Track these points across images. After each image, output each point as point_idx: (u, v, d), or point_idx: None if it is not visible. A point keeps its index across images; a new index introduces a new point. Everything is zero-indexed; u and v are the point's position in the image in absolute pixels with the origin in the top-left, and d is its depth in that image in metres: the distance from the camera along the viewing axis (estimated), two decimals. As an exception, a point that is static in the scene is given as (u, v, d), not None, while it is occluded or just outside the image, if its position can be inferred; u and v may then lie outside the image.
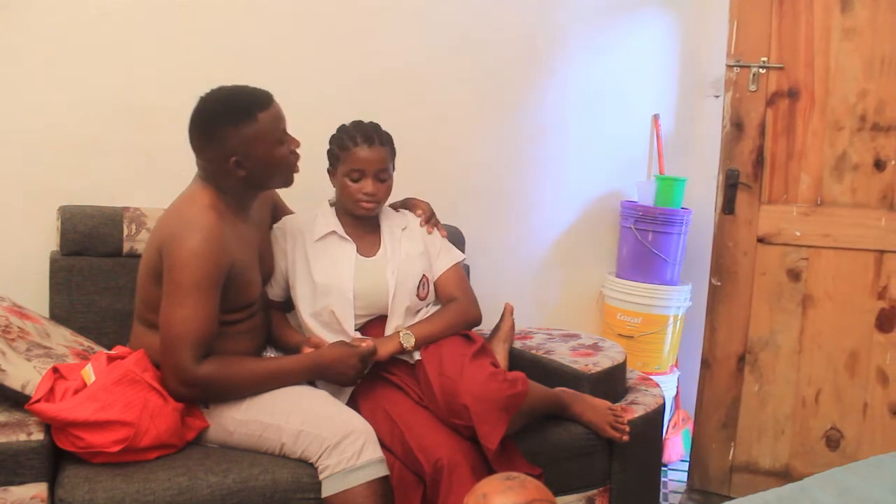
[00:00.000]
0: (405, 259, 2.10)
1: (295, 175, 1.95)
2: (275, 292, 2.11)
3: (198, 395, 1.80)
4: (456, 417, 1.86)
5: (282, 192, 2.19)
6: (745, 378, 2.56)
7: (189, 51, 2.33)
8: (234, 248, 1.83)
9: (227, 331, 1.87)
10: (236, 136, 1.80)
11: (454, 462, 1.76)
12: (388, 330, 2.06)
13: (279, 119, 1.87)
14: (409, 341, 2.01)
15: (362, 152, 2.01)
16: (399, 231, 2.15)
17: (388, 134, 2.09)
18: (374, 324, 2.08)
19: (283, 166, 1.90)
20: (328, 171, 2.10)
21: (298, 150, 1.93)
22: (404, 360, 2.04)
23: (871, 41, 2.36)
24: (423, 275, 2.12)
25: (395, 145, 2.10)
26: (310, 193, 2.15)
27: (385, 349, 1.98)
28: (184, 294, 1.74)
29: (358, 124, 2.06)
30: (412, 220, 2.20)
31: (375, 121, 2.11)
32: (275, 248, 2.08)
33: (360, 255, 2.08)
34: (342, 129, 2.08)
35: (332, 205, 2.15)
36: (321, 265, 2.04)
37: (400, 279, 2.07)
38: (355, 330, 2.05)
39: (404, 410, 1.90)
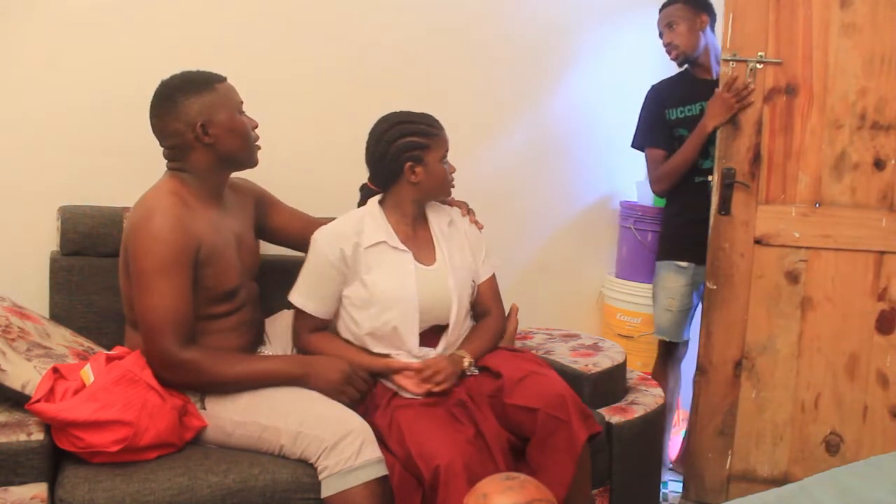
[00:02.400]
0: (460, 266, 2.07)
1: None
2: (322, 310, 2.01)
3: (183, 380, 1.80)
4: (514, 427, 1.87)
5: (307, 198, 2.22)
6: (742, 384, 2.51)
7: (189, 51, 2.32)
8: (200, 231, 1.83)
9: (213, 327, 1.88)
10: (199, 103, 1.86)
11: (452, 471, 1.72)
12: (446, 343, 2.03)
13: (235, 93, 1.95)
14: (472, 371, 2.01)
15: (445, 135, 2.03)
16: (447, 227, 2.11)
17: None
18: (426, 335, 2.02)
19: (246, 137, 1.94)
20: (408, 168, 1.98)
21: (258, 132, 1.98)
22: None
23: (871, 38, 2.34)
24: (473, 280, 2.11)
25: None
26: (335, 194, 2.18)
27: (450, 380, 1.93)
28: (150, 279, 1.75)
29: (415, 113, 2.03)
30: (455, 213, 2.16)
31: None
32: (319, 262, 1.97)
33: (418, 263, 2.02)
34: (410, 121, 2.00)
35: (380, 204, 2.06)
36: (379, 277, 1.96)
37: (461, 290, 2.04)
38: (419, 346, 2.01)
39: (409, 414, 1.86)
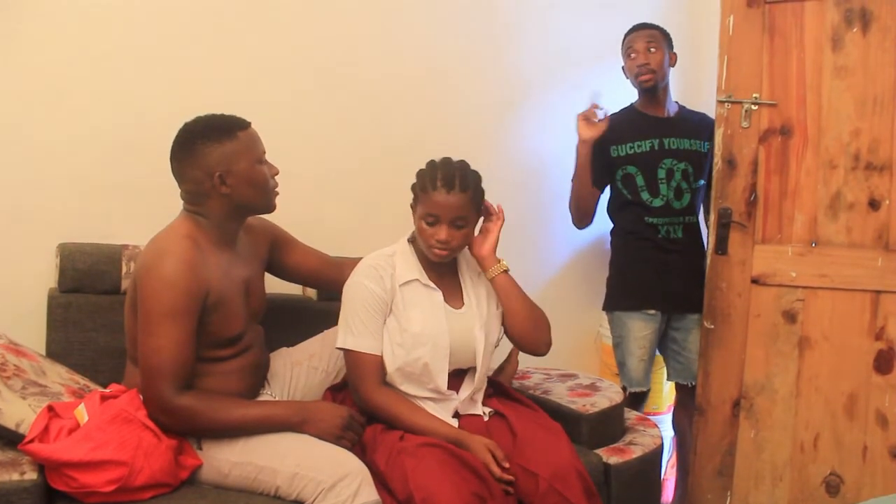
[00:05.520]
0: (488, 316, 2.06)
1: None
2: (378, 346, 1.96)
3: (178, 426, 1.78)
4: (516, 488, 1.83)
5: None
6: (740, 424, 2.50)
7: (190, 90, 2.36)
8: (211, 277, 1.82)
9: (216, 369, 1.87)
10: (219, 152, 1.84)
11: None
12: (471, 389, 2.03)
13: (258, 141, 1.92)
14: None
15: (438, 197, 1.91)
16: (477, 276, 2.10)
17: (475, 176, 2.00)
18: (449, 377, 2.01)
19: (264, 186, 1.92)
20: (411, 205, 2.01)
21: (277, 178, 1.96)
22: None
23: (863, 80, 2.37)
24: (501, 330, 2.10)
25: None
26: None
27: (485, 453, 1.86)
28: (156, 323, 1.74)
29: (444, 164, 1.98)
30: None
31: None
32: (364, 296, 1.95)
33: (447, 304, 2.02)
34: (428, 167, 1.99)
35: (409, 242, 2.07)
36: (412, 314, 1.96)
37: (487, 337, 2.04)
38: (448, 389, 2.00)
39: (415, 456, 1.80)
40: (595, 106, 2.57)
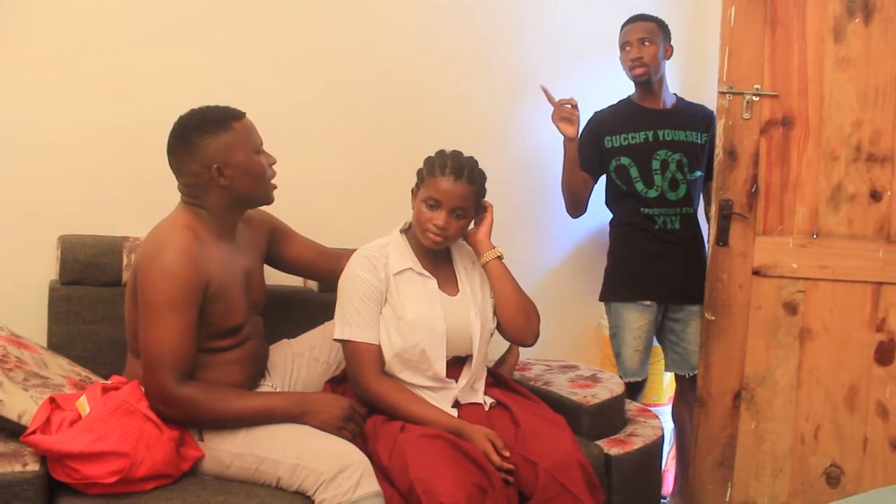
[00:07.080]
0: (483, 303, 2.07)
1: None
2: (376, 336, 1.98)
3: (179, 417, 1.78)
4: (516, 479, 1.82)
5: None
6: (741, 415, 2.51)
7: (189, 82, 2.35)
8: (211, 268, 1.82)
9: (216, 360, 1.87)
10: (215, 144, 1.84)
11: None
12: (469, 377, 2.03)
13: (254, 131, 1.92)
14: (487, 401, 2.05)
15: (444, 183, 1.95)
16: (471, 266, 2.12)
17: (481, 173, 2.03)
18: (448, 365, 2.02)
19: (262, 176, 1.92)
20: (412, 190, 2.04)
21: (276, 171, 1.96)
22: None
23: (865, 71, 2.37)
24: (495, 317, 2.11)
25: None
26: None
27: (485, 442, 1.86)
28: (156, 314, 1.74)
29: (455, 154, 2.00)
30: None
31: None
32: (361, 287, 1.97)
33: (442, 291, 2.04)
34: (437, 154, 2.01)
35: (402, 232, 2.09)
36: (408, 301, 1.98)
37: (483, 324, 2.05)
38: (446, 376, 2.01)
39: (415, 446, 1.80)
40: (563, 101, 2.55)
